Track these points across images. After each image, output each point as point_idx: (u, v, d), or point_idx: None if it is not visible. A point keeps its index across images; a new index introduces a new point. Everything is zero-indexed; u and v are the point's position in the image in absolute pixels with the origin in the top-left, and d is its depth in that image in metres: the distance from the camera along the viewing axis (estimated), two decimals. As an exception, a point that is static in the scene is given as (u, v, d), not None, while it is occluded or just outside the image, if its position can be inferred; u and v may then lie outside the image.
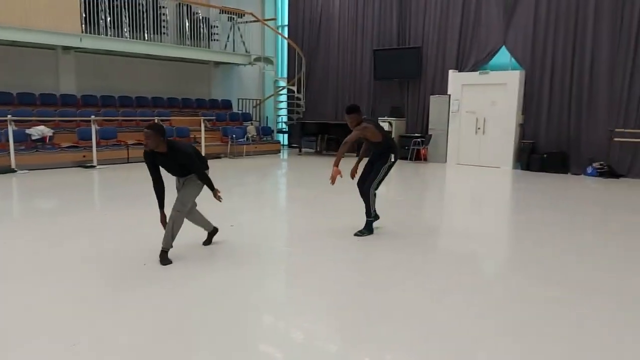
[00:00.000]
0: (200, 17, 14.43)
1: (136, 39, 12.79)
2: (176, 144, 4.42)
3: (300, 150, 15.40)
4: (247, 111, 16.14)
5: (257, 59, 15.54)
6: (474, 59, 12.54)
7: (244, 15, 15.16)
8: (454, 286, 4.02)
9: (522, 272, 4.41)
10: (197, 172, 4.50)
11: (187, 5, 14.06)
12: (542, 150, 11.55)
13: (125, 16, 12.59)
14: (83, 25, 11.69)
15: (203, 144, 12.95)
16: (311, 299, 3.68)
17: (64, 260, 4.48)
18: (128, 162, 11.51)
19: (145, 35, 13.02)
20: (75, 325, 3.14)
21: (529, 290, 3.94)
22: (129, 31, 12.68)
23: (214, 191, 4.62)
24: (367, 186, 5.52)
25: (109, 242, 5.11)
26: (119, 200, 7.43)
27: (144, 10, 12.98)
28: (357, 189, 5.70)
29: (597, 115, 10.92)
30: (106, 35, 12.17)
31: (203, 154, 12.76)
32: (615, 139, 10.57)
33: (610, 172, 10.58)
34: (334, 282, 4.07)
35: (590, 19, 10.81)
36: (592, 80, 10.91)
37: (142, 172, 10.21)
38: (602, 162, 10.73)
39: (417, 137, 13.17)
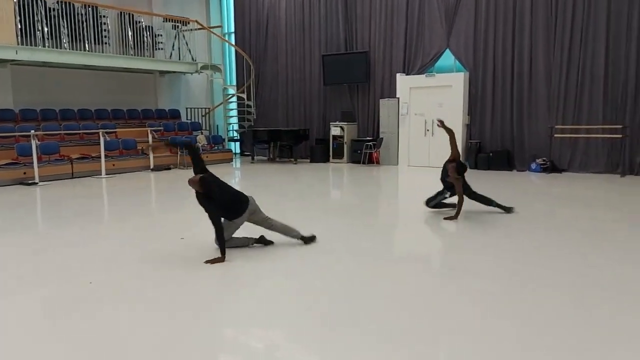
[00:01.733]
0: (144, 26, 14.07)
1: (76, 49, 12.32)
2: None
3: (252, 158, 15.27)
4: (197, 120, 15.86)
5: (204, 67, 15.31)
6: (420, 62, 12.82)
7: (188, 23, 14.91)
8: (405, 288, 4.05)
9: (472, 270, 4.50)
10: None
11: (129, 13, 13.67)
12: (488, 149, 11.93)
13: (64, 26, 12.10)
14: (19, 37, 11.15)
15: (151, 155, 12.61)
16: (263, 306, 3.62)
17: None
18: (72, 178, 11.05)
19: (86, 45, 12.56)
20: None
21: (477, 287, 4.02)
22: (68, 42, 12.19)
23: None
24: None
25: (49, 262, 4.85)
26: (59, 219, 7.10)
27: (84, 19, 12.51)
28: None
29: (537, 113, 11.38)
30: (44, 46, 11.65)
31: (151, 165, 12.53)
32: (556, 136, 11.04)
33: (552, 168, 11.04)
34: (282, 290, 4.02)
35: (527, 22, 11.28)
36: (531, 81, 11.38)
37: (86, 188, 9.86)
38: (544, 158, 11.19)
39: (369, 141, 13.32)
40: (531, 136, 11.48)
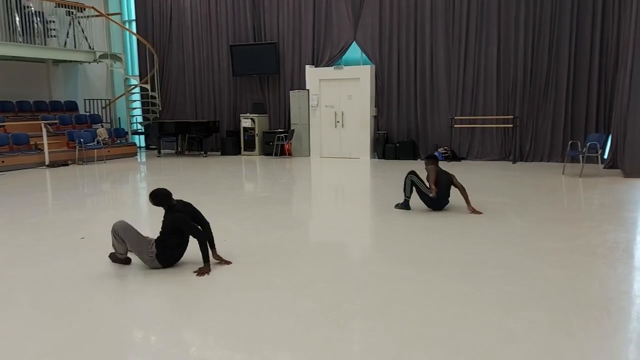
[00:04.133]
0: (33, 11, 12.93)
1: (-47, 34, 11.08)
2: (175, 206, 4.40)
3: (159, 152, 14.67)
4: (96, 113, 14.93)
5: (104, 56, 14.42)
6: (329, 55, 13.01)
7: (84, 9, 13.93)
8: (319, 276, 4.12)
9: (382, 254, 4.68)
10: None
11: (16, -3, 12.51)
12: (394, 140, 12.42)
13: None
14: None
15: (46, 150, 11.71)
16: (175, 304, 3.52)
17: None
18: (-47, 177, 9.97)
19: (-35, 30, 11.34)
20: None
21: (386, 270, 4.20)
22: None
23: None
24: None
25: None
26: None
27: (-38, 2, 11.27)
28: None
29: (439, 105, 12.03)
30: None
31: (47, 161, 11.63)
32: (456, 126, 11.74)
33: (453, 156, 11.74)
34: (195, 280, 3.93)
35: (427, 19, 11.85)
36: (433, 74, 11.99)
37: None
38: (446, 147, 11.87)
39: (281, 133, 13.32)
40: (434, 127, 12.12)
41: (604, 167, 9.70)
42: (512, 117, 11.22)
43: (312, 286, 3.93)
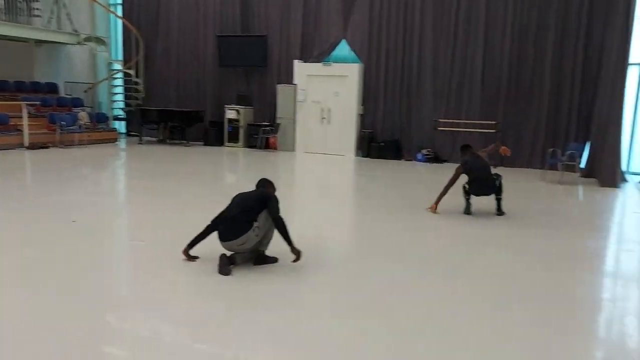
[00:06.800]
0: (16, -12, 12.60)
1: None
2: None
3: (140, 139, 14.47)
4: (78, 96, 14.63)
5: (88, 39, 14.14)
6: (317, 51, 13.05)
7: (69, -11, 13.64)
8: (310, 268, 4.20)
9: (368, 250, 4.79)
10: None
11: (0, -27, 12.16)
12: (379, 139, 12.54)
13: None
14: None
15: (26, 132, 11.46)
16: (144, 289, 3.55)
17: None
18: None
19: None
20: None
21: (375, 266, 4.30)
22: None
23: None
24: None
25: None
26: None
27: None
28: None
29: (423, 107, 12.19)
30: None
31: (26, 143, 11.38)
32: (439, 128, 11.94)
33: (436, 158, 11.93)
34: (170, 270, 3.97)
35: (417, 22, 11.99)
36: (419, 77, 12.14)
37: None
38: (429, 149, 12.05)
39: (266, 126, 13.31)
40: (418, 128, 12.28)
41: (581, 176, 10.00)
42: (494, 122, 11.47)
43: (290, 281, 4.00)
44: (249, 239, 4.05)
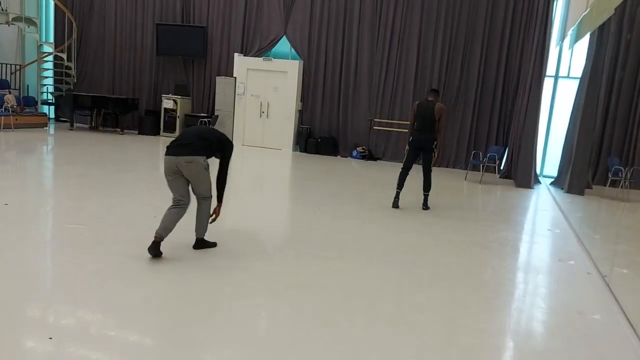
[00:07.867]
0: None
1: None
2: None
3: (72, 125, 13.99)
4: (4, 78, 13.92)
5: (17, 19, 13.48)
6: (258, 45, 13.20)
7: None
8: (246, 254, 4.45)
9: (302, 237, 5.10)
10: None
11: None
12: (317, 135, 12.89)
13: None
14: None
15: None
16: (78, 272, 3.68)
17: None
18: None
19: None
20: None
21: (313, 253, 4.62)
22: None
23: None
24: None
25: None
26: None
27: None
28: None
29: (359, 107, 12.67)
30: None
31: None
32: (374, 127, 12.47)
33: (370, 156, 12.45)
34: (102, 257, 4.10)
35: (355, 23, 12.42)
36: (357, 77, 12.60)
37: None
38: (364, 147, 12.54)
39: (204, 117, 13.30)
40: (354, 126, 12.74)
41: (500, 177, 10.84)
42: (425, 124, 12.11)
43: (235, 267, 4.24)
44: (197, 162, 4.09)
